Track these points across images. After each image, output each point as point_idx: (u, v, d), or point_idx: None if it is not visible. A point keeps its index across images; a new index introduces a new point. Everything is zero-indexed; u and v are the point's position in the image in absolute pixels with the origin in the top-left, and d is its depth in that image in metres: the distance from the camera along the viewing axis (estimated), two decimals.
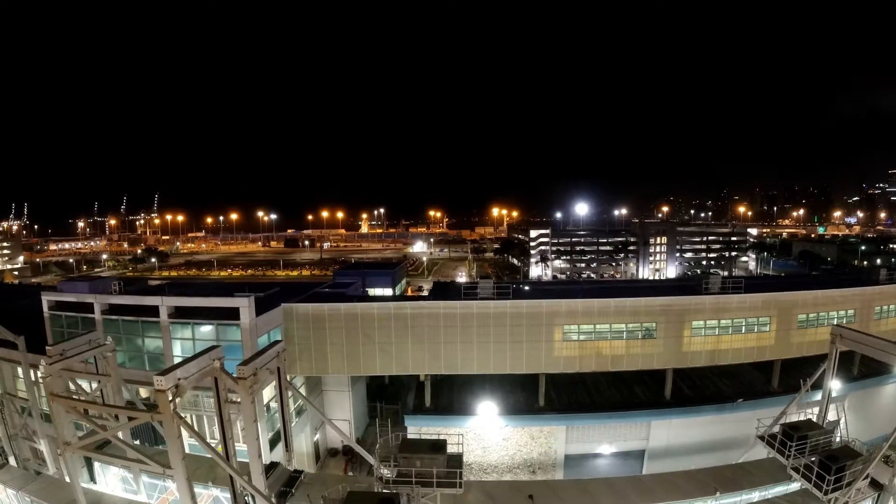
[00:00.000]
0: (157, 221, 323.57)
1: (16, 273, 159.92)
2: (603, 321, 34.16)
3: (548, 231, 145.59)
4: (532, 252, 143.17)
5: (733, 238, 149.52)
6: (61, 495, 24.47)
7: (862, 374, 39.02)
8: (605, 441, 35.09)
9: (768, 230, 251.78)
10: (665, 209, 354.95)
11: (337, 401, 39.28)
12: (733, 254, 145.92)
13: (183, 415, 23.15)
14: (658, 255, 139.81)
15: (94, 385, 26.81)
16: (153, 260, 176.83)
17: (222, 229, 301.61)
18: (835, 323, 34.74)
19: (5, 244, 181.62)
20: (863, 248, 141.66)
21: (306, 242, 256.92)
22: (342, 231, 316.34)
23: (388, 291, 56.12)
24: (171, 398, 18.13)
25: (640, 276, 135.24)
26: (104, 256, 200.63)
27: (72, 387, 25.05)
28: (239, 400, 20.83)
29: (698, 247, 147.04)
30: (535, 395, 35.59)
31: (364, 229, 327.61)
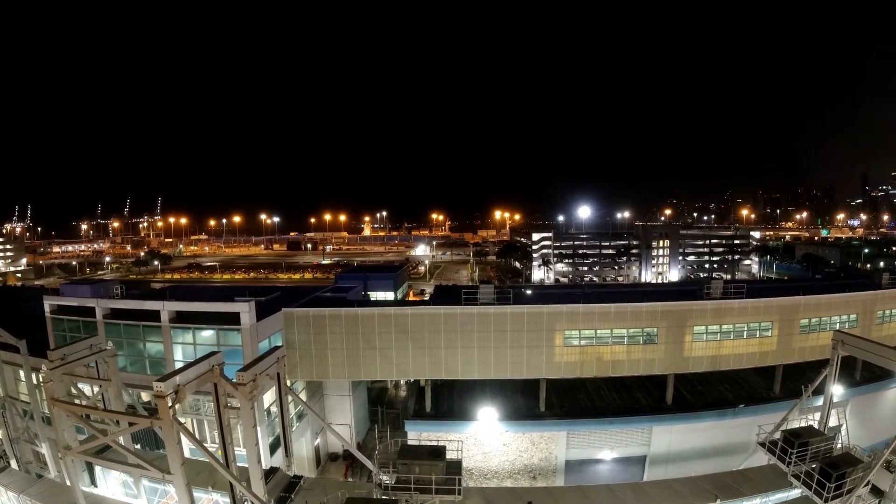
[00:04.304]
0: (160, 224, 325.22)
1: (19, 275, 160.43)
2: (604, 326, 34.07)
3: (550, 234, 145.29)
4: (534, 255, 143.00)
5: (736, 241, 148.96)
6: (62, 499, 24.51)
7: (864, 379, 38.80)
8: (605, 447, 34.95)
9: (771, 233, 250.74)
10: (668, 212, 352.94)
11: (338, 405, 39.30)
12: (736, 257, 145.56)
13: (183, 419, 23.26)
14: (661, 259, 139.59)
15: (96, 389, 26.90)
16: (156, 263, 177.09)
17: (225, 232, 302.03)
18: (837, 327, 34.56)
19: (8, 246, 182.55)
20: (866, 251, 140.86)
21: (309, 245, 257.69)
22: (345, 234, 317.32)
23: (389, 295, 56.38)
24: (170, 404, 18.17)
25: (643, 280, 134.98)
26: (107, 259, 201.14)
27: (73, 391, 25.15)
28: (239, 405, 20.88)
29: (701, 250, 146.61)
30: (535, 401, 35.54)
31: (366, 232, 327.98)
